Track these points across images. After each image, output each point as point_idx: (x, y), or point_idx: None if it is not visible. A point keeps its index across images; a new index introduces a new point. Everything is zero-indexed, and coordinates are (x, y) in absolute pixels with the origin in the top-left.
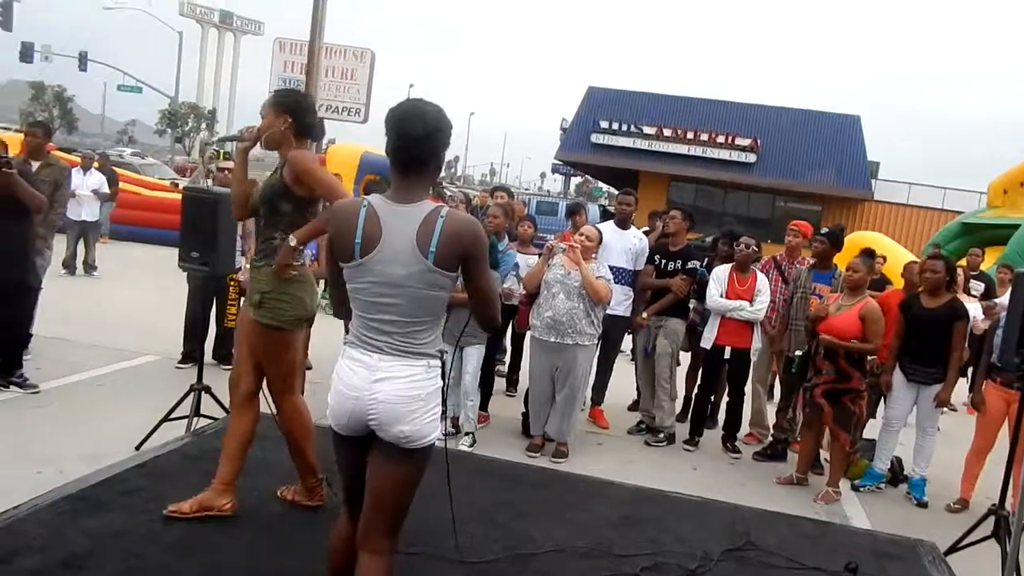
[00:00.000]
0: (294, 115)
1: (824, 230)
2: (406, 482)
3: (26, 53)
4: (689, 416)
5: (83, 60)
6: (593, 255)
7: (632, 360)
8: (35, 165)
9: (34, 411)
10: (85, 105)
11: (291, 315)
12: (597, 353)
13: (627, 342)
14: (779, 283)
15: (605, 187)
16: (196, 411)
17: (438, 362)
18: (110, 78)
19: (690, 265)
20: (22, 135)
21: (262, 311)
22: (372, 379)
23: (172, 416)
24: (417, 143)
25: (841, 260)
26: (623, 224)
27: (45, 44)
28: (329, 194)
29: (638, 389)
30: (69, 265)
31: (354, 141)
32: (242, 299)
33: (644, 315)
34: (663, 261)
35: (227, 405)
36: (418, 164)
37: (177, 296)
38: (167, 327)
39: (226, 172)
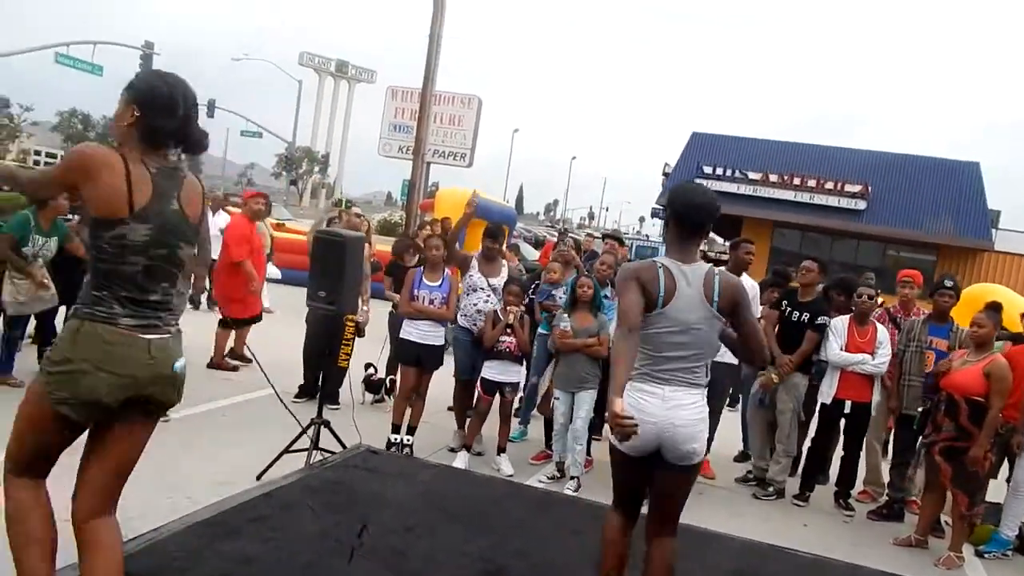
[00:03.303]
0: (142, 108)
1: (949, 283)
2: (690, 486)
3: None
4: (800, 470)
5: (211, 108)
6: None
7: (731, 407)
8: None
9: (163, 438)
10: (209, 149)
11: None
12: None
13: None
14: (895, 335)
15: None
16: (315, 444)
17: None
18: (233, 124)
19: (819, 321)
20: None
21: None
22: (666, 407)
23: (291, 448)
24: (707, 220)
25: (957, 312)
26: (738, 272)
27: None
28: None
29: (744, 439)
30: (194, 300)
31: (457, 183)
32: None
33: (774, 376)
34: (790, 310)
35: (343, 440)
36: (702, 234)
37: (295, 332)
38: (284, 362)
39: (361, 218)
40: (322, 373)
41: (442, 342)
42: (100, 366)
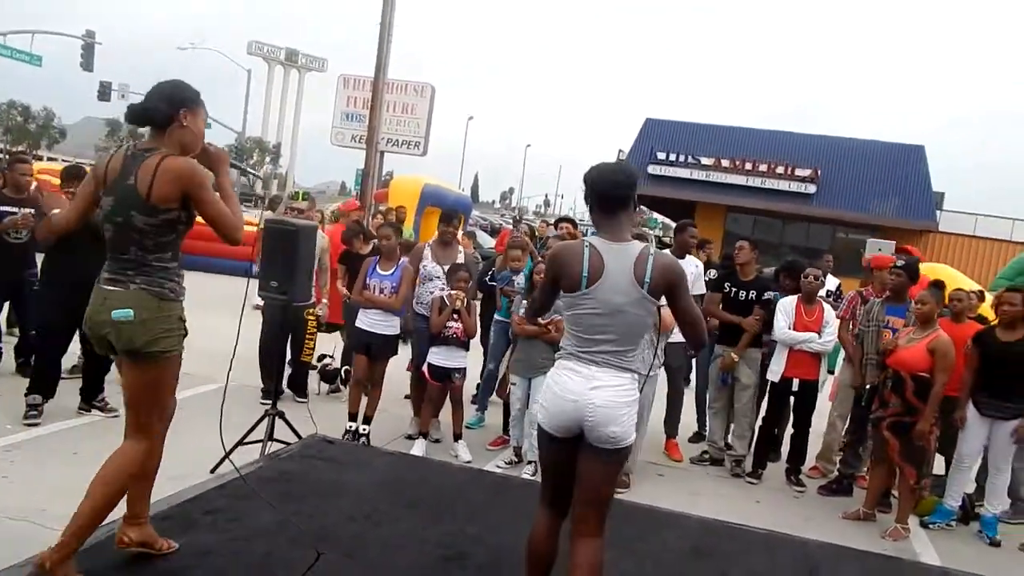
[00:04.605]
0: None
1: (901, 262)
2: (613, 475)
3: (104, 92)
4: (752, 448)
5: None
6: None
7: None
8: None
9: (115, 435)
10: None
11: None
12: (667, 386)
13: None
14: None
15: (660, 218)
16: (270, 436)
17: (638, 375)
18: None
19: (766, 296)
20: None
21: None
22: (588, 387)
23: (245, 440)
24: (619, 187)
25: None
26: (682, 254)
27: (123, 83)
28: None
29: (698, 420)
30: None
31: (412, 172)
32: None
33: (734, 355)
34: (734, 290)
35: (299, 431)
36: (622, 204)
37: (247, 325)
38: (237, 355)
39: (296, 212)
40: (289, 367)
41: (395, 331)
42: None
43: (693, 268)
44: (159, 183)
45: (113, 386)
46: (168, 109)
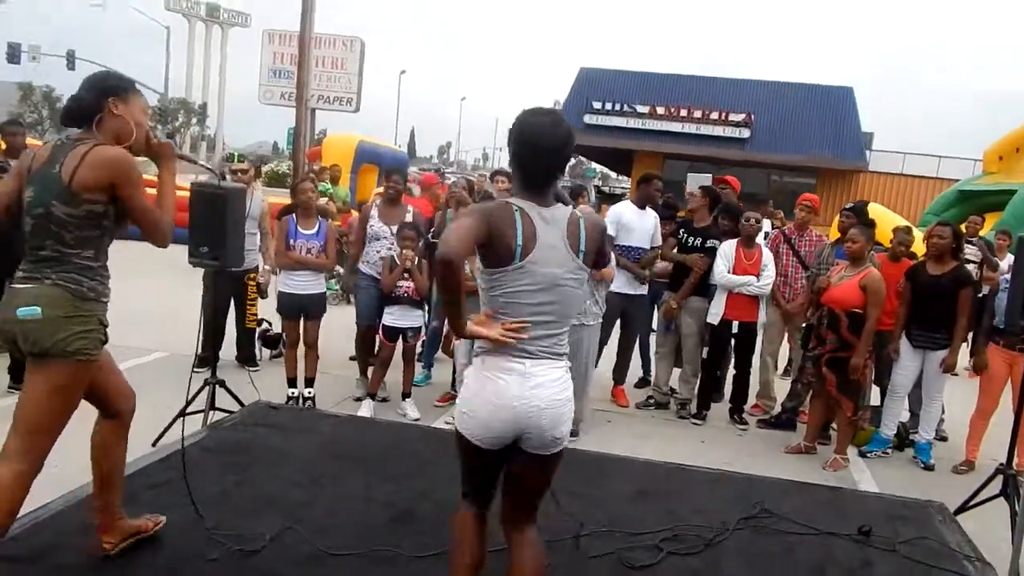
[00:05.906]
0: None
1: (850, 205)
2: (552, 474)
3: (13, 55)
4: (695, 391)
5: (71, 59)
6: None
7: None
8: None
9: None
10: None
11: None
12: (619, 334)
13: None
14: (790, 257)
15: (598, 167)
16: (211, 405)
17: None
18: None
19: (708, 244)
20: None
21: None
22: (527, 386)
23: (187, 411)
24: (567, 147)
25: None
26: (642, 205)
27: (33, 45)
28: None
29: (643, 366)
30: None
31: (345, 129)
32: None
33: (674, 304)
34: (686, 237)
35: (241, 399)
36: (557, 170)
37: (185, 293)
38: (175, 324)
39: (238, 173)
40: (237, 337)
41: (323, 289)
42: None
43: (652, 220)
44: (84, 168)
45: None
46: (94, 99)
